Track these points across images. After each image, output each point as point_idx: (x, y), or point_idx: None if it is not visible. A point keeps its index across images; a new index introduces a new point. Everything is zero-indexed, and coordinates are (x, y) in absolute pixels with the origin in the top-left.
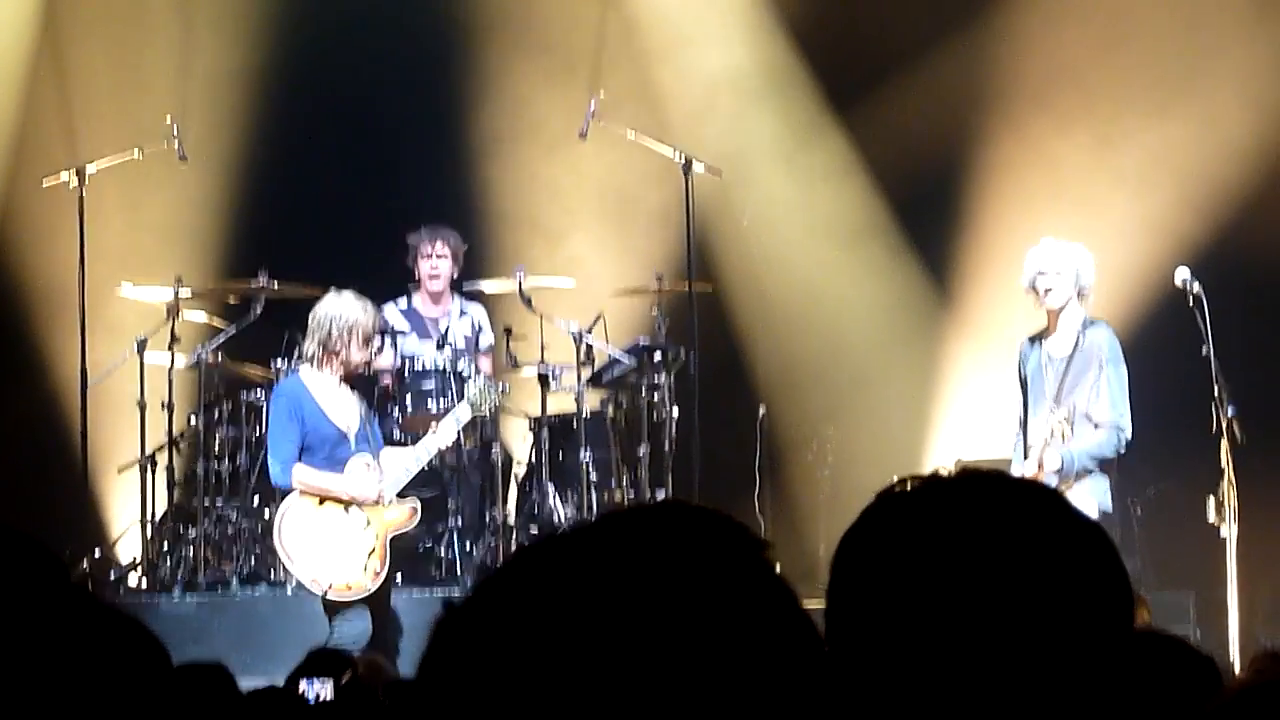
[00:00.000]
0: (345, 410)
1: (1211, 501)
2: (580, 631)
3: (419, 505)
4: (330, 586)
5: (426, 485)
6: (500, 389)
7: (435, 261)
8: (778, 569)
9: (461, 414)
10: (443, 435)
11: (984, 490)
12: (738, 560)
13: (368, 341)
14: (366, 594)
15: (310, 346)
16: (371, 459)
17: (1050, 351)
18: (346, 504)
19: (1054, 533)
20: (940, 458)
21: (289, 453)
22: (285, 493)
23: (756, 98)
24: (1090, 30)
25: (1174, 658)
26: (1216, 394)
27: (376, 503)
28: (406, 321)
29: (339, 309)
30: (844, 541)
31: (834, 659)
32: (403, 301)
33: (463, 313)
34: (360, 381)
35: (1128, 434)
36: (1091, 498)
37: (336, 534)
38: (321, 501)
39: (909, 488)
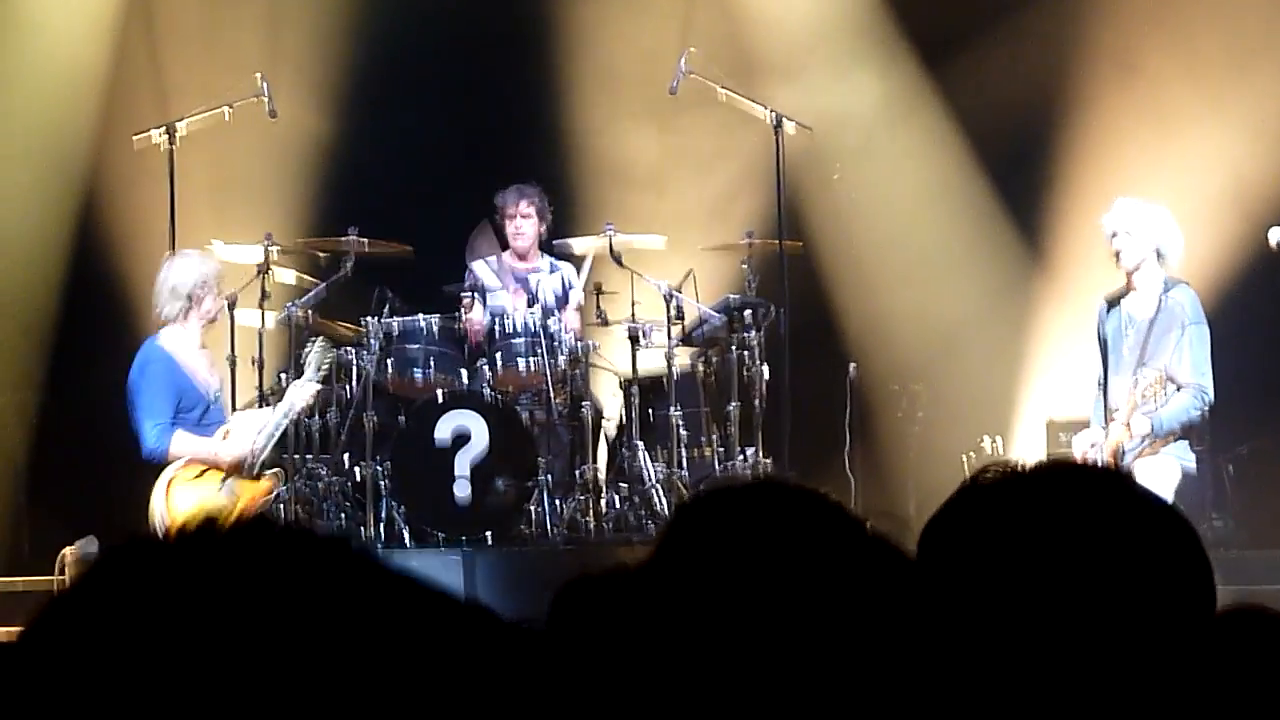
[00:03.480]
0: (208, 372)
1: None
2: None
3: (281, 471)
4: None
5: (517, 441)
6: (337, 351)
7: (519, 221)
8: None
9: (307, 383)
10: (293, 402)
11: (1061, 485)
12: (846, 542)
13: (221, 289)
14: None
15: (169, 309)
16: (234, 425)
17: (1131, 312)
18: (225, 474)
19: (1131, 526)
20: (1030, 417)
21: (166, 417)
22: (162, 466)
23: (848, 54)
24: None
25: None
26: None
27: (250, 472)
28: (497, 278)
29: (193, 264)
30: (925, 534)
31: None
32: (494, 259)
33: (553, 269)
34: (450, 336)
35: (1210, 395)
36: (1176, 460)
37: (212, 503)
38: (201, 472)
39: (989, 479)
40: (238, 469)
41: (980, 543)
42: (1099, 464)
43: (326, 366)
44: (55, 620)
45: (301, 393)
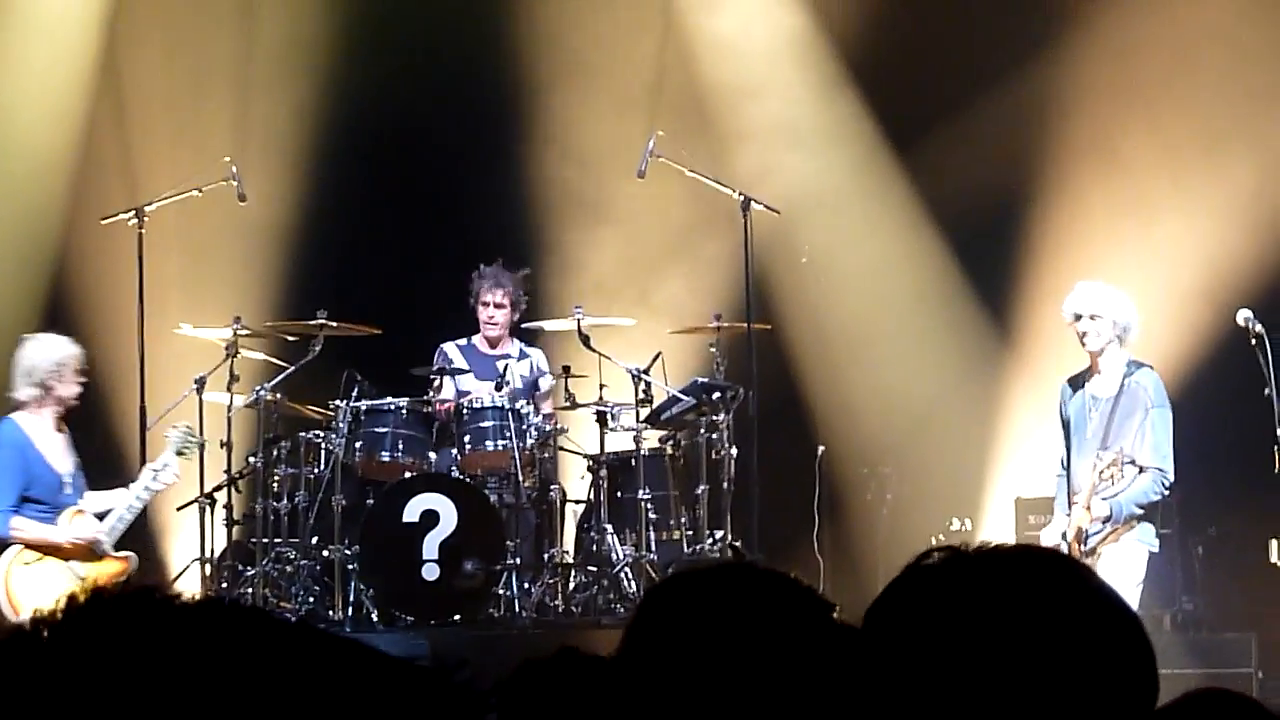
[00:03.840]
0: (62, 455)
1: (1274, 543)
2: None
3: (134, 557)
4: None
5: (485, 523)
6: (199, 437)
7: (493, 311)
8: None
9: (169, 461)
10: (146, 484)
11: (1003, 569)
12: (812, 625)
13: (77, 372)
14: None
15: (24, 392)
16: (86, 507)
17: (1095, 394)
18: (66, 555)
19: (1071, 612)
20: (999, 496)
21: (8, 502)
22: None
23: (815, 137)
24: (1150, 69)
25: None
26: (1279, 435)
27: (96, 554)
28: (466, 360)
29: (48, 348)
30: (869, 615)
31: None
32: (464, 340)
33: (523, 354)
34: (419, 418)
35: (1170, 478)
36: (1140, 542)
37: (56, 587)
38: (41, 556)
39: (934, 561)
40: (82, 553)
41: (920, 625)
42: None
43: (188, 451)
44: None
45: (158, 474)
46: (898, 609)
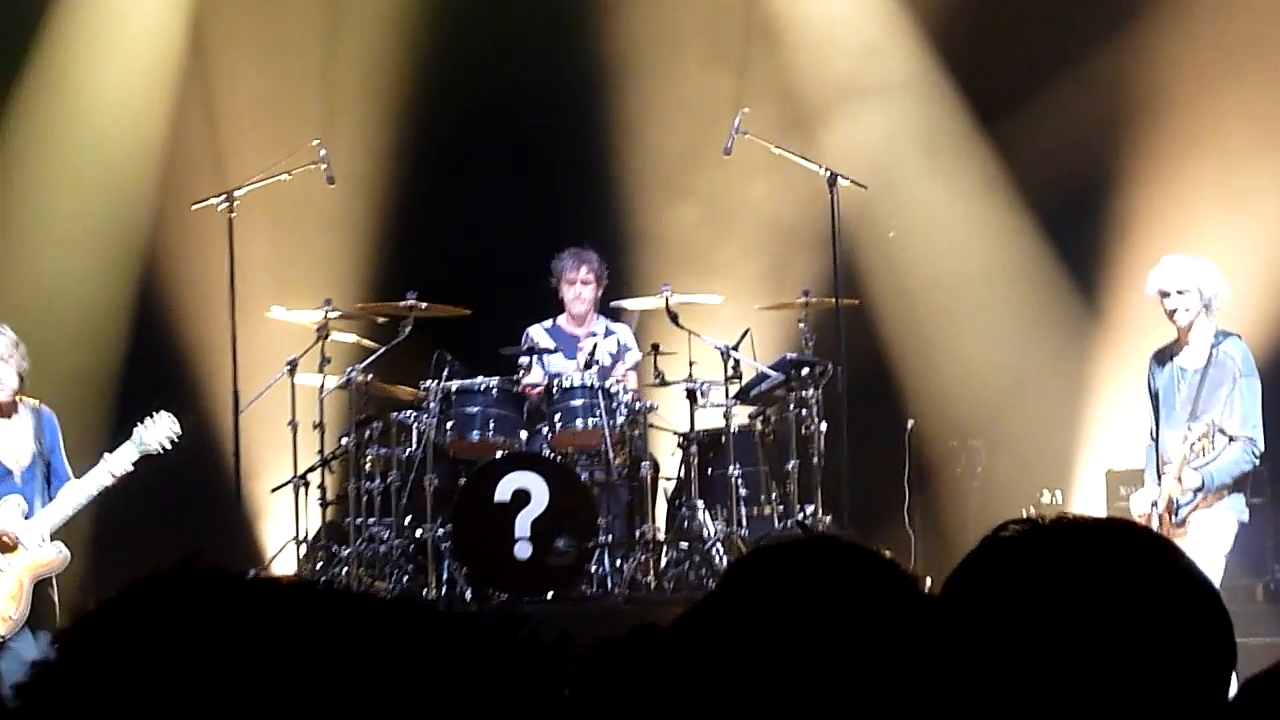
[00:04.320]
0: (11, 446)
1: None
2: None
3: (65, 551)
4: None
5: (577, 501)
6: (171, 427)
7: (579, 288)
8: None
9: (125, 453)
10: (105, 472)
11: (1079, 542)
12: (894, 598)
13: (7, 362)
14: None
15: None
16: (19, 500)
17: (1183, 365)
18: None
19: (1147, 586)
20: (1090, 469)
21: None
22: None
23: (903, 110)
24: (1241, 43)
25: None
26: None
27: (12, 546)
28: (553, 340)
29: None
30: (946, 586)
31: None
32: (549, 321)
33: (609, 332)
34: (509, 397)
35: (1260, 447)
36: (1230, 512)
37: None
38: None
39: (1010, 534)
40: (7, 546)
41: (994, 597)
42: (1153, 523)
43: (155, 445)
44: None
45: (116, 462)
46: (973, 581)
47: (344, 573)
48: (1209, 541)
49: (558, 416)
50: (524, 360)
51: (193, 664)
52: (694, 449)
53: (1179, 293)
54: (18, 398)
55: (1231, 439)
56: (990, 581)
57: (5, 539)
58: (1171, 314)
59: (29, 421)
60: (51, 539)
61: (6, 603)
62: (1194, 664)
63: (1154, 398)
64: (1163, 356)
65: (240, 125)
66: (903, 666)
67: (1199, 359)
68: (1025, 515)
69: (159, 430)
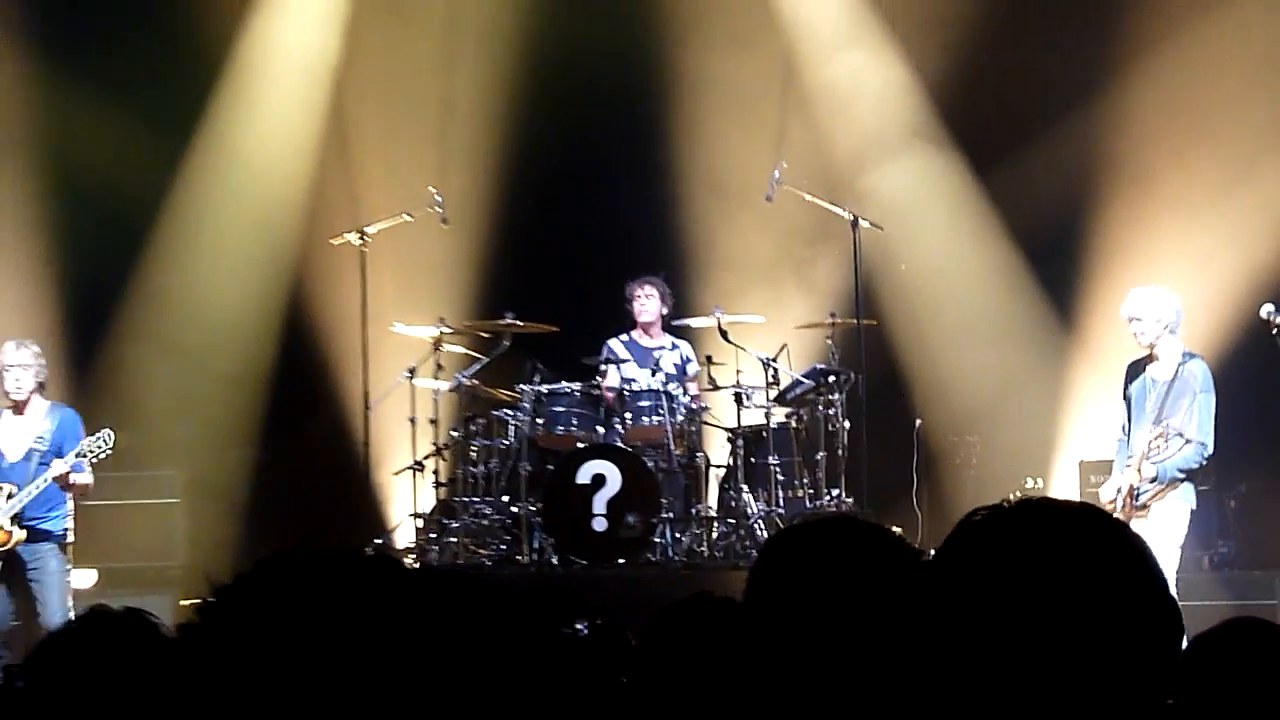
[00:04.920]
0: (13, 439)
1: None
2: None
3: (17, 531)
4: None
5: (644, 484)
6: (105, 440)
7: (644, 301)
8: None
9: (65, 460)
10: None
11: (1037, 523)
12: (901, 566)
13: (29, 363)
14: None
15: None
16: (12, 488)
17: (1153, 376)
18: None
19: (1091, 556)
20: (1066, 460)
21: None
22: None
23: (912, 163)
24: (1191, 98)
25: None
26: None
27: None
28: (628, 352)
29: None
30: (936, 557)
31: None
32: (624, 335)
33: (674, 346)
34: (589, 399)
35: (1209, 450)
36: (1183, 500)
37: None
38: None
39: (979, 517)
40: None
41: (969, 568)
42: (1116, 508)
43: (93, 454)
44: (220, 608)
45: (57, 466)
46: (951, 556)
47: (453, 542)
48: (1167, 531)
49: (629, 415)
50: (603, 367)
51: (300, 623)
52: (740, 442)
53: (1137, 319)
54: (34, 397)
55: (1188, 441)
56: (963, 556)
57: None
58: (1135, 335)
59: (41, 420)
60: (13, 520)
61: None
62: (1141, 625)
63: (1127, 402)
64: (1137, 368)
65: (371, 174)
66: (903, 619)
67: (1167, 372)
68: (1005, 500)
69: (99, 443)
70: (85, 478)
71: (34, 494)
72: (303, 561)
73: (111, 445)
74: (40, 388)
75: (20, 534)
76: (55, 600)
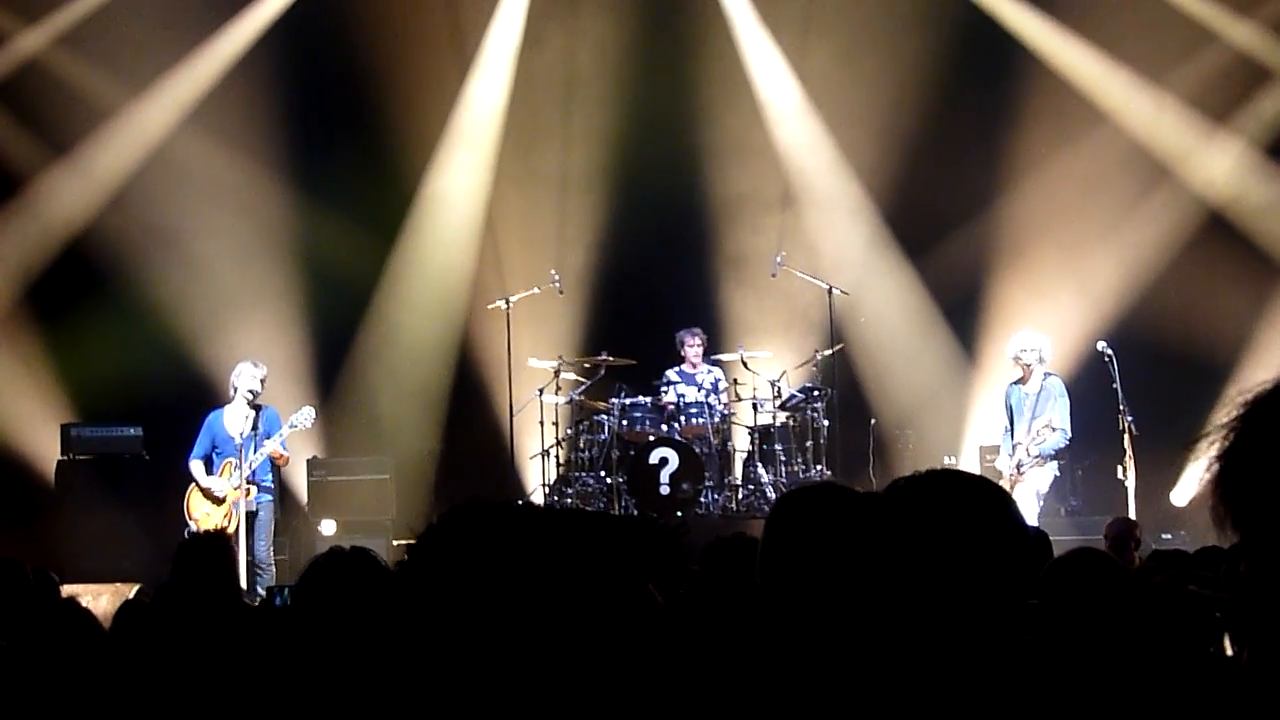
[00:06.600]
0: (240, 427)
1: (1119, 467)
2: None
3: (249, 489)
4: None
5: (694, 464)
6: (308, 415)
7: (691, 344)
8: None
9: (273, 440)
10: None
11: (935, 486)
12: (863, 513)
13: (254, 378)
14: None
15: (231, 391)
16: (234, 461)
17: (1026, 391)
18: (205, 493)
19: (974, 507)
20: (970, 445)
21: (197, 452)
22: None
23: (866, 251)
24: (1054, 203)
25: (1097, 567)
26: (1120, 409)
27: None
28: (680, 377)
29: (243, 370)
30: (877, 506)
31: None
32: (678, 367)
33: (709, 372)
34: (657, 407)
35: (1069, 435)
36: (1048, 472)
37: (209, 506)
38: (205, 490)
39: (901, 483)
40: (213, 497)
41: (894, 516)
42: (997, 474)
43: (300, 425)
44: (425, 545)
45: (269, 445)
46: (885, 508)
47: (569, 503)
48: (1036, 486)
49: (683, 418)
50: (664, 387)
51: (480, 553)
52: (756, 436)
53: (1022, 352)
54: (249, 398)
55: (1055, 429)
56: (891, 509)
57: (215, 493)
58: (1016, 362)
59: (256, 414)
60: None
61: (222, 520)
62: (1007, 550)
63: (1009, 409)
64: (1015, 385)
65: (511, 249)
66: (868, 544)
67: (1035, 387)
68: (918, 471)
69: (304, 416)
70: (285, 453)
71: (254, 465)
72: (475, 512)
73: (312, 419)
74: (254, 395)
75: (253, 489)
76: (264, 537)
